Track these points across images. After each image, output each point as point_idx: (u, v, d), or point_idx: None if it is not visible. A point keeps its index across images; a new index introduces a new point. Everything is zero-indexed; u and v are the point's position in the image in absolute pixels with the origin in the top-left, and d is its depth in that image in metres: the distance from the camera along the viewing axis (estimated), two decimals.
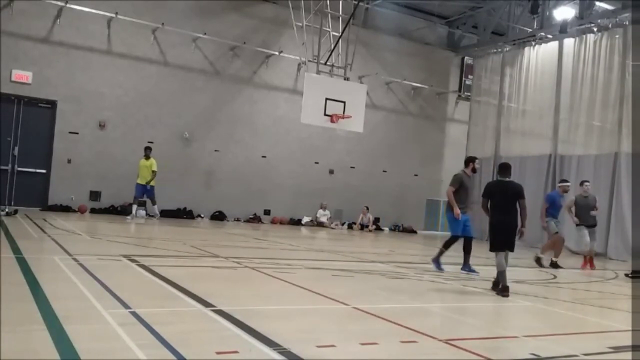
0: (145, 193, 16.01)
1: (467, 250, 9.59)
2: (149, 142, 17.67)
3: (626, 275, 11.22)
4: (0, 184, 16.22)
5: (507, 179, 7.74)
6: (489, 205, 7.65)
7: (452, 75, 24.60)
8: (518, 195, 7.58)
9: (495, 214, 7.52)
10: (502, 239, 7.43)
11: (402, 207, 22.89)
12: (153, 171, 15.87)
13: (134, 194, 15.96)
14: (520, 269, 11.35)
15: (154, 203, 16.11)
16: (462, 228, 9.49)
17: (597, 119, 17.74)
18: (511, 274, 9.54)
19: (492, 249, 7.49)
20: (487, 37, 22.56)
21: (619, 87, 17.04)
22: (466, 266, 9.51)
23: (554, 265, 11.72)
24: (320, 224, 20.66)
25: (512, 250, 7.53)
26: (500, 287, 7.27)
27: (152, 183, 15.89)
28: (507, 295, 7.06)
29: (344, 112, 15.75)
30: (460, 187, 9.72)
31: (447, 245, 9.60)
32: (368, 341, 4.26)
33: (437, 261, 9.56)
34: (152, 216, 16.72)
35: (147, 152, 16.07)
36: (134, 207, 16.13)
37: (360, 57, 18.77)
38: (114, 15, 17.40)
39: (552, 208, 12.03)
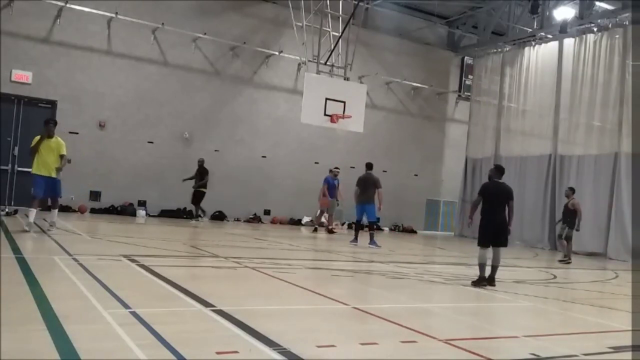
0: (47, 189, 10.46)
1: (371, 228, 13.87)
2: (148, 141, 17.63)
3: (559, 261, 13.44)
4: (0, 184, 16.22)
5: (501, 181, 8.13)
6: (480, 204, 8.07)
7: (452, 75, 24.59)
8: (510, 196, 8.02)
9: (488, 213, 7.89)
10: (492, 236, 7.89)
11: (402, 207, 22.87)
12: (62, 156, 10.49)
13: (33, 190, 10.37)
14: (520, 269, 11.36)
15: (56, 206, 10.82)
16: (361, 214, 13.87)
17: (597, 119, 17.73)
18: (512, 274, 9.56)
19: (480, 244, 7.95)
20: (487, 37, 22.55)
21: (619, 87, 17.03)
22: (372, 242, 13.30)
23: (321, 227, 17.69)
24: (320, 224, 20.63)
25: (505, 245, 8.00)
26: (478, 279, 7.78)
27: (57, 175, 10.49)
28: (484, 285, 7.69)
29: (344, 112, 15.74)
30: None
31: (356, 228, 14.11)
32: (368, 341, 4.26)
33: (373, 242, 13.32)
34: (50, 227, 10.71)
35: (50, 128, 10.50)
36: (32, 213, 10.32)
37: (360, 57, 18.77)
38: (114, 15, 17.40)
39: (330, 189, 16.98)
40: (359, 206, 13.87)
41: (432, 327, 5.10)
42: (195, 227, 15.65)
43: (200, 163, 17.11)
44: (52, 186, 10.46)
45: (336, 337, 4.46)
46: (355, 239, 13.79)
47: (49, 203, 10.89)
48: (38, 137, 10.49)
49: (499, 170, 8.18)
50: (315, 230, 17.49)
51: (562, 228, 13.53)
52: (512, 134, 20.92)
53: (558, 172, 18.64)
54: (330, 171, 17.54)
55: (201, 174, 17.03)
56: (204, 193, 17.11)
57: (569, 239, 13.31)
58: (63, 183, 10.72)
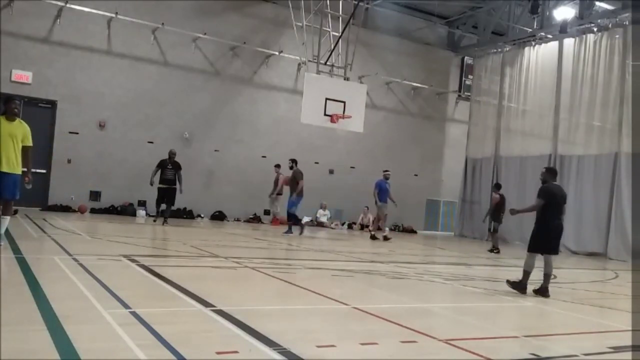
0: (7, 189, 7.76)
1: (290, 219, 15.20)
2: (149, 141, 17.57)
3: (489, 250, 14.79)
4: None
5: (557, 183, 7.88)
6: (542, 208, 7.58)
7: (452, 75, 24.59)
8: (566, 200, 7.76)
9: (554, 217, 7.55)
10: (553, 243, 7.58)
11: (402, 207, 22.81)
12: (27, 148, 7.89)
13: None
14: (520, 269, 11.34)
15: (11, 212, 8.13)
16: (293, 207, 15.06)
17: (597, 119, 17.72)
18: (512, 274, 9.55)
19: (539, 251, 7.56)
20: (487, 37, 22.55)
21: (619, 87, 17.02)
22: (290, 230, 14.92)
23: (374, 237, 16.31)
24: (320, 224, 20.65)
25: (557, 253, 7.76)
26: (519, 283, 7.48)
27: (21, 170, 7.90)
28: (525, 293, 7.41)
29: (344, 112, 15.75)
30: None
31: (290, 219, 15.27)
32: (368, 341, 4.26)
33: (290, 230, 14.96)
34: None
35: (13, 107, 7.83)
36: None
37: (360, 57, 18.77)
38: (114, 15, 17.40)
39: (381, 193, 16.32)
40: (299, 198, 15.14)
41: (432, 327, 5.10)
42: (164, 225, 14.67)
43: (174, 155, 15.14)
44: (11, 185, 7.79)
45: (336, 337, 4.45)
46: (291, 230, 15.13)
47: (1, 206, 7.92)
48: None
49: (553, 172, 7.93)
50: (374, 237, 16.18)
51: (489, 222, 15.56)
52: (512, 134, 20.92)
53: (558, 172, 18.61)
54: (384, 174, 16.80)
55: (178, 168, 14.98)
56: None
57: (495, 231, 15.11)
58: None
